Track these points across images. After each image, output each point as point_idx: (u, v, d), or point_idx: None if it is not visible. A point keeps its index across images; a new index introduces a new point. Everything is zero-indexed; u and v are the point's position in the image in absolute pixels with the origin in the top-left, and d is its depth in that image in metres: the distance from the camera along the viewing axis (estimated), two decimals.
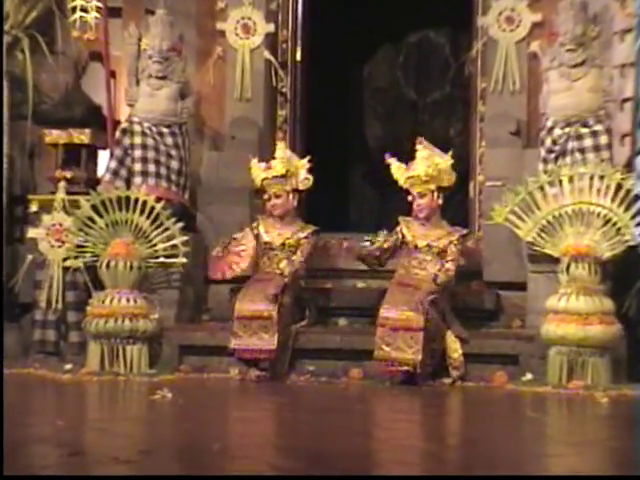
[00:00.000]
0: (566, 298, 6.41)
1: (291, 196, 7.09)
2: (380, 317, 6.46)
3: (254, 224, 7.19)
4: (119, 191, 7.26)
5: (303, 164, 7.17)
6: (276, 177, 7.04)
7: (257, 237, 7.11)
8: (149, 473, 3.82)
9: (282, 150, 7.10)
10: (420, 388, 6.32)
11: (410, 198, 6.87)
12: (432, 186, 6.80)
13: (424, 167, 6.78)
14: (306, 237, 7.07)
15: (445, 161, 6.88)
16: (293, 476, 3.82)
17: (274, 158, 7.11)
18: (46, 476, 3.80)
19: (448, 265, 6.69)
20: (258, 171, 7.11)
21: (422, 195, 6.83)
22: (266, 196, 7.13)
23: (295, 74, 8.31)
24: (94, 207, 7.16)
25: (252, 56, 8.02)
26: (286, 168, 7.04)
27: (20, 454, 4.01)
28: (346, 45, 9.47)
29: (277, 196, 7.08)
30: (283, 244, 7.06)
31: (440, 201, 6.83)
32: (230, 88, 8.05)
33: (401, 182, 6.90)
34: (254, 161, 7.15)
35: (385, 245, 6.92)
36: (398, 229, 6.92)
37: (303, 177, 7.16)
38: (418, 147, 6.84)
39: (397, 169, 6.90)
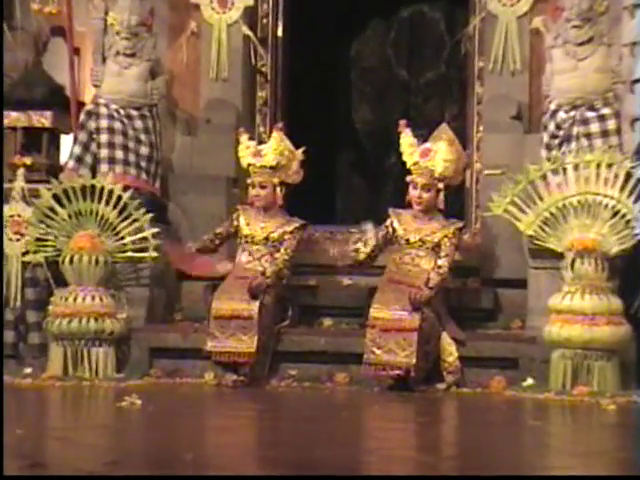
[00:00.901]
0: (570, 297, 6.44)
1: (277, 189, 7.02)
2: (370, 318, 6.47)
3: (233, 215, 7.16)
4: (83, 179, 7.26)
5: (296, 156, 7.11)
6: (264, 167, 7.00)
7: (237, 230, 7.09)
8: None
9: (276, 141, 7.00)
10: (412, 394, 6.34)
11: (408, 179, 6.77)
12: (441, 185, 6.73)
13: (443, 165, 6.65)
14: (292, 232, 7.00)
15: (463, 158, 6.83)
16: (274, 476, 3.85)
17: (264, 142, 7.08)
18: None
19: (441, 262, 6.63)
20: (246, 152, 7.05)
21: (427, 189, 6.75)
22: (249, 180, 7.08)
23: (276, 52, 8.31)
24: (56, 197, 7.15)
25: (229, 32, 8.01)
26: (277, 160, 6.98)
27: None
28: (332, 20, 9.46)
29: (262, 186, 7.02)
30: (266, 238, 7.00)
31: (443, 198, 6.74)
32: (205, 67, 8.04)
33: (407, 162, 6.78)
34: (244, 137, 7.09)
35: (373, 242, 6.87)
36: (388, 222, 6.88)
37: (294, 171, 7.11)
38: (441, 133, 6.70)
39: (408, 146, 6.75)
